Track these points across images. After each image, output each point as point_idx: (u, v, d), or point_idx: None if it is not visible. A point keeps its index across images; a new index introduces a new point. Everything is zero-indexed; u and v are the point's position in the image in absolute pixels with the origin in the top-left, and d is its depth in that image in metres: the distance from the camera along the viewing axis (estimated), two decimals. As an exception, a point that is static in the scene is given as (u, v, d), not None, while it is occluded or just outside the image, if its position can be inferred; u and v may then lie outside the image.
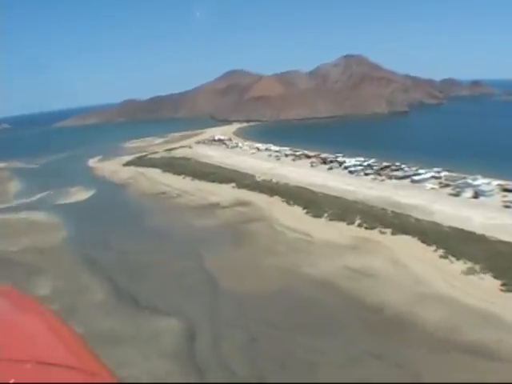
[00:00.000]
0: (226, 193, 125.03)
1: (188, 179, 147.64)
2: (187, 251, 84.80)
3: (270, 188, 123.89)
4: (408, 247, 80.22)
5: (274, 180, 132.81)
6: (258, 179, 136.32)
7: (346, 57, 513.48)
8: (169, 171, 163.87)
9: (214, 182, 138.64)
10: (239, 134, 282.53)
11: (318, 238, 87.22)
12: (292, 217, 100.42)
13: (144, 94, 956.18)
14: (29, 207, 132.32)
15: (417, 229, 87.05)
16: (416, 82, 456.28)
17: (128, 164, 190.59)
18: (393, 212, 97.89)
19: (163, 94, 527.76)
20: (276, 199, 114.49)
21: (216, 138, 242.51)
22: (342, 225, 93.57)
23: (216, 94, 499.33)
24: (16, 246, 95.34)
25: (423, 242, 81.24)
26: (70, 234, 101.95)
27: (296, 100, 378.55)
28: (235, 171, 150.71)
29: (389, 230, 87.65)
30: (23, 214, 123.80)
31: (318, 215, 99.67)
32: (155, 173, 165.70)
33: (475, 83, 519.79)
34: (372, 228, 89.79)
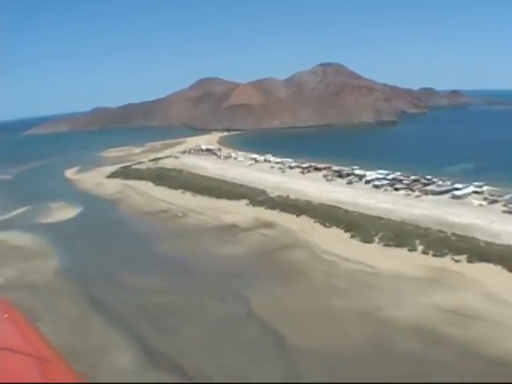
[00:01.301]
0: (240, 211, 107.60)
1: (188, 194, 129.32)
2: (222, 290, 67.27)
3: (292, 206, 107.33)
4: (496, 278, 66.20)
5: (291, 196, 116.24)
6: (272, 195, 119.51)
7: (322, 65, 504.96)
8: (162, 184, 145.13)
9: (220, 198, 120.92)
10: (224, 143, 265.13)
11: (382, 268, 71.50)
12: (336, 242, 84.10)
13: (114, 102, 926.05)
14: (6, 226, 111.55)
15: (494, 254, 73.26)
16: (395, 91, 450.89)
17: (112, 176, 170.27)
18: (454, 234, 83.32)
19: (134, 101, 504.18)
20: (305, 220, 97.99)
21: (203, 147, 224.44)
22: (403, 252, 78.26)
23: (190, 102, 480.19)
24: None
25: (510, 270, 67.29)
26: (65, 264, 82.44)
27: (278, 108, 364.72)
28: (241, 185, 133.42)
29: (463, 257, 73.49)
30: (1, 235, 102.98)
31: (367, 240, 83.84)
32: (147, 186, 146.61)
33: (454, 93, 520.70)
34: (441, 255, 75.18)
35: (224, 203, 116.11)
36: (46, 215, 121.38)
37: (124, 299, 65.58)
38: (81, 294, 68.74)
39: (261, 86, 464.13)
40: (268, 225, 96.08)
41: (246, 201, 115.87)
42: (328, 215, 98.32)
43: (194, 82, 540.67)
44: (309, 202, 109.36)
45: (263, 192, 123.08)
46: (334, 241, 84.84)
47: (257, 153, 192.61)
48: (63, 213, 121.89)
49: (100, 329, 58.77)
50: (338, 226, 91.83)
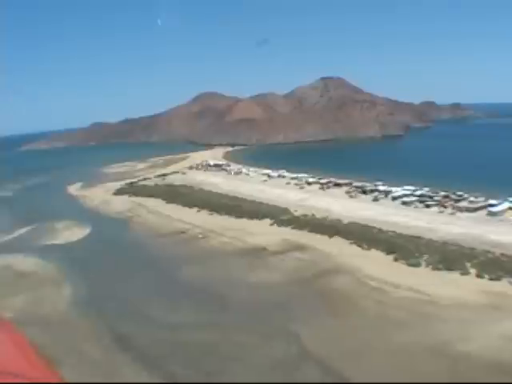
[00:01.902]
0: (265, 232, 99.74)
1: (204, 213, 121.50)
2: (265, 324, 59.25)
3: (321, 225, 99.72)
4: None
5: (317, 215, 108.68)
6: (296, 214, 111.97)
7: (323, 79, 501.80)
8: (174, 202, 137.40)
9: (240, 217, 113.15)
10: (230, 158, 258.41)
11: (438, 296, 64.23)
12: (379, 266, 76.38)
13: (113, 117, 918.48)
14: (9, 249, 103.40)
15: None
16: (397, 105, 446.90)
17: (119, 192, 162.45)
18: (504, 255, 76.53)
19: (133, 116, 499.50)
20: (339, 241, 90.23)
21: (211, 162, 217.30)
22: (455, 276, 70.99)
23: (191, 116, 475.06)
24: (4, 314, 66.58)
25: None
26: (80, 294, 73.94)
27: (281, 123, 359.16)
28: (261, 203, 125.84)
29: (521, 280, 66.01)
30: (5, 259, 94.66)
31: (413, 263, 76.34)
32: (158, 204, 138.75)
33: (455, 106, 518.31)
34: (497, 278, 69.03)
35: (246, 223, 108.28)
36: (52, 236, 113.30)
37: (154, 337, 57.35)
38: (103, 331, 60.36)
39: (262, 100, 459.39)
40: (300, 247, 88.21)
41: (269, 220, 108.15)
42: (363, 235, 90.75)
43: (193, 96, 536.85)
44: (339, 221, 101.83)
45: (286, 210, 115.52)
46: (377, 264, 77.12)
47: (267, 168, 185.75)
48: (71, 233, 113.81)
49: (130, 374, 50.57)
50: (377, 247, 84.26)
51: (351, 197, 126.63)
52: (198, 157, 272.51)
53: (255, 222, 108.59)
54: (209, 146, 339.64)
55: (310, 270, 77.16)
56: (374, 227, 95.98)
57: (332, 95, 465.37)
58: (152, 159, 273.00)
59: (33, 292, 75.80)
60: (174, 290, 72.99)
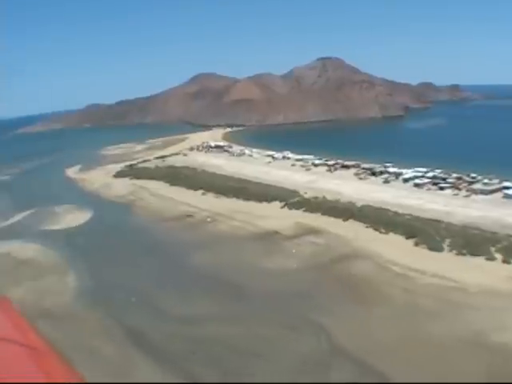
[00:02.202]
0: (276, 216, 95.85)
1: (211, 196, 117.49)
2: (289, 316, 55.73)
3: (333, 208, 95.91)
4: None
5: (328, 197, 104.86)
6: (306, 196, 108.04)
7: (321, 59, 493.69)
8: (177, 185, 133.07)
9: (248, 199, 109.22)
10: (230, 139, 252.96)
11: (467, 283, 61.13)
12: (400, 251, 72.93)
13: (108, 99, 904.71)
14: (8, 235, 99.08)
15: None
16: (395, 85, 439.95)
17: (120, 175, 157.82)
18: (528, 239, 73.01)
19: (129, 98, 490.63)
20: (354, 224, 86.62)
21: (212, 144, 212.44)
22: (481, 261, 67.75)
23: (187, 98, 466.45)
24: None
25: None
26: (85, 284, 70.08)
27: (281, 104, 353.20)
28: (268, 185, 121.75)
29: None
30: (3, 246, 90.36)
31: (435, 248, 72.96)
32: (160, 187, 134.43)
33: (453, 87, 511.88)
34: None
35: (254, 206, 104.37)
36: (52, 221, 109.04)
37: (171, 332, 53.60)
38: (113, 325, 56.49)
39: (259, 81, 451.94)
40: (314, 231, 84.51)
41: (278, 203, 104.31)
42: (379, 219, 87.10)
43: (190, 77, 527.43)
44: (352, 204, 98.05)
45: (295, 193, 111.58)
46: (397, 249, 73.62)
47: (270, 149, 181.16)
48: (72, 218, 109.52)
49: (146, 372, 47.02)
50: (395, 231, 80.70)
51: (360, 179, 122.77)
52: (196, 138, 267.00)
53: (264, 204, 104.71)
54: (206, 127, 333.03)
55: (327, 255, 73.64)
56: (388, 210, 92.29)
57: (330, 76, 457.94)
58: (150, 141, 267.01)
59: (35, 282, 71.80)
60: (186, 278, 69.28)
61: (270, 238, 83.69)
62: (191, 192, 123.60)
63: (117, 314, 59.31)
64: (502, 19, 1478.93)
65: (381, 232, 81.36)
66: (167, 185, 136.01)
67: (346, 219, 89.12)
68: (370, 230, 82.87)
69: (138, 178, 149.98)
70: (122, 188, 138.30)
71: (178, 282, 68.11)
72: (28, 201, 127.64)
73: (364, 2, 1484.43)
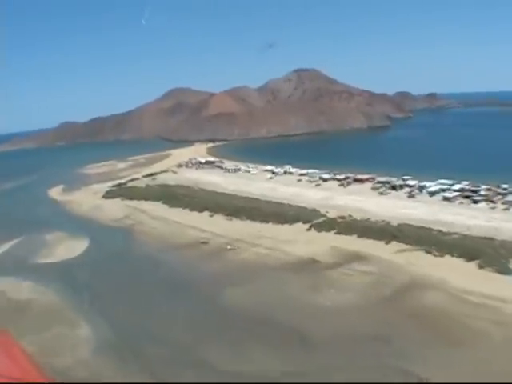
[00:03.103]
0: (306, 240, 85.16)
1: (220, 218, 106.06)
2: (369, 368, 44.90)
3: (368, 229, 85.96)
4: None
5: (355, 216, 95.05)
6: (330, 215, 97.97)
7: (296, 71, 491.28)
8: (177, 205, 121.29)
9: (266, 221, 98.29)
10: (216, 154, 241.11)
11: None
12: (466, 276, 63.45)
13: (82, 117, 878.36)
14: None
15: None
16: (372, 96, 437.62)
17: (109, 196, 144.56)
18: None
19: (103, 115, 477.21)
20: (399, 247, 76.72)
21: (202, 160, 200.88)
22: None
23: (163, 113, 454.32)
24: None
25: None
26: (101, 334, 57.55)
27: (263, 116, 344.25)
28: (280, 204, 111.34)
29: None
30: (-10, 285, 77.00)
31: (502, 270, 64.14)
32: (158, 208, 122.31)
33: (430, 96, 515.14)
34: None
35: (275, 229, 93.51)
36: (44, 252, 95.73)
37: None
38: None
39: (236, 94, 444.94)
40: (357, 257, 74.13)
41: (302, 224, 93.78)
42: (424, 240, 77.57)
43: (164, 92, 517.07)
44: (386, 223, 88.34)
45: (315, 212, 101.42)
46: (462, 275, 64.02)
47: (266, 163, 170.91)
48: (67, 248, 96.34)
49: None
50: (450, 253, 71.26)
51: (381, 194, 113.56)
52: (180, 154, 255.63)
53: (286, 227, 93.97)
54: (186, 142, 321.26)
55: (386, 285, 63.29)
56: (431, 229, 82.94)
57: (307, 87, 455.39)
58: (132, 158, 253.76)
59: (41, 333, 58.70)
60: (226, 322, 57.57)
61: (308, 267, 72.84)
62: (196, 214, 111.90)
63: (155, 373, 47.39)
64: (475, 26, 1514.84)
65: (435, 255, 71.69)
66: (166, 206, 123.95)
67: (387, 241, 79.18)
68: (422, 254, 73.07)
69: (131, 198, 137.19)
70: (116, 210, 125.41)
71: (218, 327, 56.35)
72: (12, 227, 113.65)
73: (336, 13, 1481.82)
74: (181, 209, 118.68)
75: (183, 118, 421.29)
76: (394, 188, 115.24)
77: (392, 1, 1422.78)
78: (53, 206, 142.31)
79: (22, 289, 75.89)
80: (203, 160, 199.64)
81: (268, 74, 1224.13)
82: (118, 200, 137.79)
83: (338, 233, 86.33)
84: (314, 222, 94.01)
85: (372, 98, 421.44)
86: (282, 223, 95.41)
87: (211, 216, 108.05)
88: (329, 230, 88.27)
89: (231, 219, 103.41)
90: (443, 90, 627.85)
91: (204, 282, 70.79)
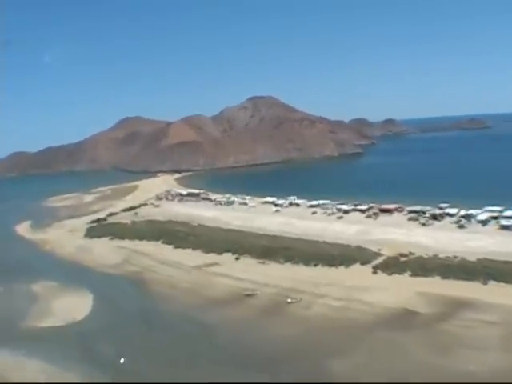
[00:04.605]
0: (380, 286, 69.72)
1: (250, 261, 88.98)
2: None
3: (447, 268, 72.28)
4: None
5: (419, 253, 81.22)
6: (385, 252, 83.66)
7: (252, 99, 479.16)
8: (183, 246, 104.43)
9: (314, 264, 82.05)
10: (189, 185, 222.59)
11: None
12: None
13: (31, 146, 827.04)
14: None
15: None
16: (332, 123, 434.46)
17: (93, 234, 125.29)
18: None
19: (54, 145, 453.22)
20: (502, 288, 63.38)
21: (184, 191, 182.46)
22: None
23: (116, 143, 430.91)
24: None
25: None
26: None
27: (230, 145, 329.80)
28: (315, 242, 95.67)
29: None
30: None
31: None
32: (161, 250, 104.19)
33: (388, 122, 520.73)
34: None
35: (331, 273, 77.66)
36: (37, 309, 76.17)
37: None
38: None
39: (192, 123, 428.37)
40: (463, 304, 59.84)
41: (360, 266, 78.86)
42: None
43: (117, 122, 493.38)
44: (463, 260, 75.24)
45: (364, 250, 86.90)
46: None
47: (257, 195, 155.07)
48: (66, 304, 76.66)
49: None
50: None
51: (423, 224, 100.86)
52: (147, 185, 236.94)
53: (342, 270, 78.43)
54: (148, 173, 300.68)
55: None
56: (515, 265, 70.41)
57: (264, 115, 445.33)
58: (95, 190, 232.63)
59: None
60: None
61: (409, 321, 57.70)
62: (214, 256, 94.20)
63: None
64: (427, 54, 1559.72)
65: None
66: (169, 247, 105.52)
67: (484, 282, 65.75)
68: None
69: (121, 237, 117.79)
70: (108, 253, 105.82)
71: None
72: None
73: (287, 40, 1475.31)
74: (190, 250, 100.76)
75: (139, 147, 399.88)
76: (434, 218, 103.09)
77: (341, 28, 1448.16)
78: (26, 245, 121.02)
79: (24, 368, 55.87)
80: (184, 192, 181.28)
81: (222, 102, 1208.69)
82: (105, 240, 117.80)
83: (414, 275, 71.94)
84: (374, 262, 79.27)
85: (331, 125, 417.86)
86: (336, 265, 79.87)
87: (237, 259, 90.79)
88: (400, 271, 73.67)
89: (265, 262, 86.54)
90: (397, 116, 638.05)
91: (286, 353, 53.49)
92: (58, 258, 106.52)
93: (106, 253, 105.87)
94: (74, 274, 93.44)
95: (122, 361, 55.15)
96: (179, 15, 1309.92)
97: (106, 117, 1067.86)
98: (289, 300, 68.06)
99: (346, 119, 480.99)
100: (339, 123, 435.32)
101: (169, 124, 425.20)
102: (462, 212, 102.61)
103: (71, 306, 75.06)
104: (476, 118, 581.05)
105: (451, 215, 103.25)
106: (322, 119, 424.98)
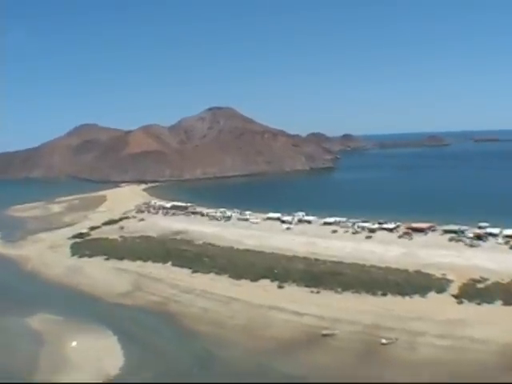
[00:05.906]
0: (476, 319, 59.60)
1: (298, 290, 76.26)
2: None
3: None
4: None
5: (492, 278, 72.12)
6: (451, 277, 73.98)
7: (211, 109, 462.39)
8: (204, 271, 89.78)
9: (383, 294, 70.43)
10: (161, 196, 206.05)
11: None
12: None
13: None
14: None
15: None
16: (291, 136, 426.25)
17: (82, 253, 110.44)
18: None
19: (7, 150, 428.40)
20: None
21: (167, 204, 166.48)
22: None
23: (71, 151, 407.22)
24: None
25: None
26: None
27: (196, 156, 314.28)
28: (363, 266, 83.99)
29: None
30: None
31: None
32: (175, 275, 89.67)
33: (346, 137, 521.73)
34: None
35: (407, 303, 66.67)
36: (47, 357, 59.62)
37: None
38: None
39: (150, 132, 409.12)
40: None
41: (436, 294, 68.89)
42: None
43: (71, 129, 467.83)
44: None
45: (426, 275, 76.57)
46: None
47: (250, 209, 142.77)
48: (84, 349, 60.51)
49: None
50: None
51: (471, 246, 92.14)
52: (116, 196, 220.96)
53: (418, 299, 67.80)
54: (109, 183, 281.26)
55: None
56: None
57: (223, 127, 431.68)
58: (60, 199, 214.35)
59: None
60: None
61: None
62: (248, 283, 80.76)
63: None
64: (383, 70, 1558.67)
65: None
66: (183, 270, 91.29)
67: None
68: None
69: (118, 258, 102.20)
70: (110, 276, 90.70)
71: None
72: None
73: (247, 50, 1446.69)
74: (213, 275, 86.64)
75: (95, 155, 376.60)
76: (479, 238, 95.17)
77: (291, 41, 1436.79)
78: (5, 264, 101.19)
79: None
80: (168, 205, 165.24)
81: (180, 112, 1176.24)
82: (100, 260, 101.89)
83: (507, 304, 62.46)
84: (449, 290, 69.28)
85: (292, 138, 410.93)
86: (409, 294, 69.11)
87: (281, 287, 77.70)
88: (488, 300, 64.18)
89: (319, 292, 74.17)
90: (354, 131, 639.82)
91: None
92: (46, 281, 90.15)
93: (105, 276, 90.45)
94: (75, 303, 77.64)
95: None
96: (133, 20, 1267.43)
97: (63, 122, 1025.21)
98: (384, 341, 56.02)
99: (303, 134, 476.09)
100: (298, 137, 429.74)
101: (128, 132, 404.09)
102: (507, 232, 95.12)
103: (94, 353, 58.95)
104: (435, 135, 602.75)
105: (494, 235, 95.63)
106: (282, 132, 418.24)
